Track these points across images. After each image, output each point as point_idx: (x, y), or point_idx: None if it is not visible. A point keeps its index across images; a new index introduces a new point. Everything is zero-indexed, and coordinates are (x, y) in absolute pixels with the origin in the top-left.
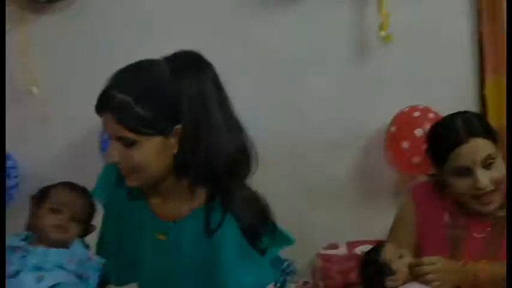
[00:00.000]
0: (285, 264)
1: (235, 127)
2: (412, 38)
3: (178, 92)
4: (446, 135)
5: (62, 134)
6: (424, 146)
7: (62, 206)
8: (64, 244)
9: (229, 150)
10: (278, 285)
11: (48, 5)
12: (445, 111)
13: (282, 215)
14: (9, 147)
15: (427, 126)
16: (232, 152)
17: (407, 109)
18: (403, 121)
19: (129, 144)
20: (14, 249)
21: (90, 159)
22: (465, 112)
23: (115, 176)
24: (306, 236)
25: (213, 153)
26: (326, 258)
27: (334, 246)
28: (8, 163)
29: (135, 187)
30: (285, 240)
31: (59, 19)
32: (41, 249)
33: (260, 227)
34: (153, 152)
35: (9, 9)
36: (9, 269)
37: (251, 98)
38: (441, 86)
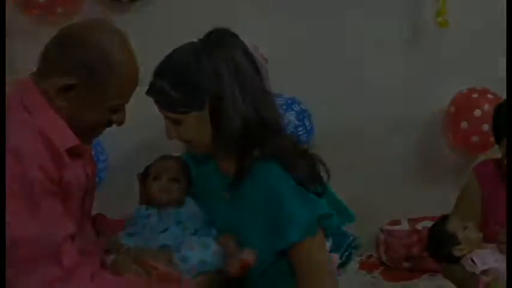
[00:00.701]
0: (351, 238)
1: (258, 98)
2: (470, 21)
3: (202, 70)
4: (499, 118)
5: (140, 125)
6: (481, 126)
7: (160, 172)
8: (178, 203)
9: (248, 119)
10: (344, 258)
11: (131, 3)
12: (503, 92)
13: (348, 193)
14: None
15: (485, 107)
16: (253, 119)
17: (466, 90)
18: (462, 102)
19: (175, 122)
20: (147, 216)
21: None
22: None
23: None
24: (370, 213)
25: (234, 122)
26: (389, 233)
27: (397, 222)
28: (97, 148)
29: (200, 154)
30: (347, 216)
31: (139, 18)
32: (171, 210)
33: (311, 177)
34: (193, 127)
35: (95, 10)
36: (157, 227)
37: (317, 85)
38: (500, 68)
